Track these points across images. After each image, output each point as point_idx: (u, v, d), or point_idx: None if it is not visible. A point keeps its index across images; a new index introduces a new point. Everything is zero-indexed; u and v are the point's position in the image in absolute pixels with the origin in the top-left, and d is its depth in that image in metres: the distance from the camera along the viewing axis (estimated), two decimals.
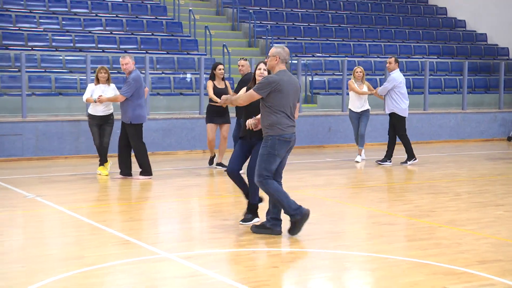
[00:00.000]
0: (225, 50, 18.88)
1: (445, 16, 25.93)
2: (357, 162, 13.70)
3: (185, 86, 17.61)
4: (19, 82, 14.58)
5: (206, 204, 9.73)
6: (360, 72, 13.68)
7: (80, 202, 9.54)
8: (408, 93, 13.85)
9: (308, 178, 11.88)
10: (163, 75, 17.33)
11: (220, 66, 12.36)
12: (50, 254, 6.79)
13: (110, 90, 11.45)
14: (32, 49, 16.60)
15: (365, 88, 13.63)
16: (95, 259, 6.43)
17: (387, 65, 13.42)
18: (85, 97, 11.58)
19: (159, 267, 6.27)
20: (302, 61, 18.25)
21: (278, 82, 7.13)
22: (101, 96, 11.19)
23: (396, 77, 13.18)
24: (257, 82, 7.50)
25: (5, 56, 16.17)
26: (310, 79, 19.02)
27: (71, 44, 17.46)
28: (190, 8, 20.80)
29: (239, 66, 12.02)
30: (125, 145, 11.25)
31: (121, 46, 18.15)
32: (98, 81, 11.52)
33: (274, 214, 7.45)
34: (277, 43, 20.81)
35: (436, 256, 6.61)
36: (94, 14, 19.25)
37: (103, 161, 11.66)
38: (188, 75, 17.68)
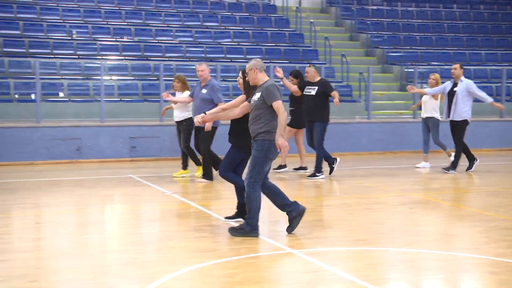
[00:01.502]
0: (344, 60, 18.77)
1: None
2: (418, 168, 13.20)
3: None
4: (157, 90, 15.10)
5: (323, 204, 9.68)
6: (432, 79, 12.98)
7: (212, 200, 9.74)
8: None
9: (422, 181, 11.61)
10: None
11: (291, 77, 12.21)
12: (185, 246, 6.96)
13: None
14: (169, 60, 17.15)
15: (429, 96, 12.90)
16: (226, 252, 6.55)
17: (453, 71, 12.38)
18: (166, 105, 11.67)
19: (284, 262, 6.30)
20: (418, 70, 17.84)
21: (277, 86, 7.16)
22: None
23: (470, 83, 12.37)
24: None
25: (145, 66, 16.80)
26: (426, 87, 18.52)
27: (203, 55, 17.90)
28: (311, 20, 20.85)
29: (306, 73, 11.87)
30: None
31: (247, 56, 18.43)
32: (174, 89, 11.58)
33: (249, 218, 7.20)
34: (393, 52, 20.51)
35: None
36: (224, 27, 19.66)
37: (187, 164, 11.57)
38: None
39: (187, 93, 11.38)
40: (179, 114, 11.45)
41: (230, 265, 6.14)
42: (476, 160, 12.68)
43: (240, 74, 7.85)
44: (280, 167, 12.46)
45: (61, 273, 5.89)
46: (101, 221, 8.66)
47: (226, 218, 7.96)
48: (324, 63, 18.77)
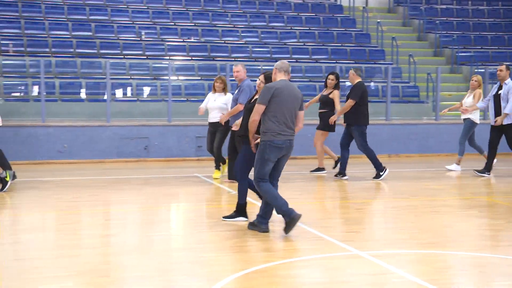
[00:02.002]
0: (411, 60, 18.48)
1: None
2: (449, 169, 12.80)
3: (371, 93, 17.44)
4: None
5: (390, 206, 9.54)
6: (475, 81, 12.43)
7: None
8: None
9: (491, 184, 11.31)
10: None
11: (331, 76, 11.89)
12: (250, 245, 6.97)
13: (222, 99, 11.13)
14: (235, 60, 17.25)
15: (470, 98, 12.42)
16: (291, 253, 6.53)
17: (498, 72, 11.77)
18: (202, 105, 11.45)
19: (350, 264, 6.23)
20: (489, 70, 17.39)
21: (275, 87, 7.07)
22: (222, 115, 10.90)
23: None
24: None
25: (212, 66, 16.95)
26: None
27: (269, 55, 17.93)
28: (378, 20, 20.61)
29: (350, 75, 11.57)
30: (235, 150, 11.04)
31: (313, 57, 18.37)
32: (215, 90, 11.32)
33: (262, 212, 7.41)
34: (463, 52, 20.07)
35: None
36: (289, 28, 19.64)
37: (218, 165, 11.41)
38: (373, 83, 17.50)
39: (229, 95, 11.19)
40: (216, 115, 11.14)
41: (295, 266, 6.12)
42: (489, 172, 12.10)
43: (261, 78, 7.82)
44: (318, 169, 12.32)
45: (129, 269, 5.99)
46: (167, 219, 8.77)
47: (224, 217, 8.03)
48: (391, 63, 18.52)
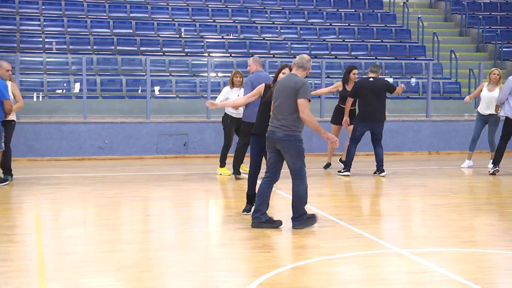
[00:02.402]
0: (453, 56, 18.23)
1: None
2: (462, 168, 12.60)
3: (411, 90, 17.27)
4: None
5: (431, 204, 9.42)
6: (497, 74, 12.13)
7: (314, 196, 9.70)
8: None
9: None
10: (391, 79, 17.10)
11: (355, 71, 11.72)
12: (289, 242, 6.97)
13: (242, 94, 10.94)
14: (274, 56, 17.24)
15: (495, 92, 12.00)
16: (331, 250, 6.50)
17: None
18: (218, 99, 11.30)
19: (390, 261, 6.18)
20: None
21: (275, 84, 7.51)
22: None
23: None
24: None
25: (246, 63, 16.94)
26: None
27: (308, 52, 17.86)
28: (419, 16, 20.36)
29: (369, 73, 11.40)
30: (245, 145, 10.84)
31: (352, 53, 18.24)
32: (233, 84, 11.27)
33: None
34: (507, 47, 19.71)
35: None
36: (329, 24, 19.54)
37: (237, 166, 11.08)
38: (413, 80, 17.31)
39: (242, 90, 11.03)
40: (241, 110, 10.85)
41: (335, 263, 6.10)
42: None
43: (285, 69, 7.93)
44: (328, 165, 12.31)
45: (170, 265, 6.03)
46: (206, 215, 8.82)
47: (243, 211, 8.25)
48: (432, 59, 18.30)
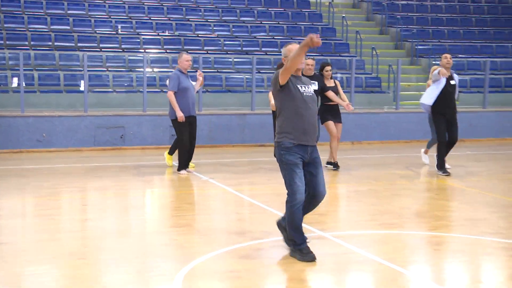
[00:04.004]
0: (374, 53, 18.62)
1: None
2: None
3: None
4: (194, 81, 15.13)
5: (354, 190, 9.63)
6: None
7: (246, 185, 9.78)
8: None
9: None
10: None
11: (327, 68, 11.14)
12: (220, 228, 7.00)
13: None
14: (207, 53, 17.21)
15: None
16: (261, 234, 6.57)
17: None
18: None
19: (315, 244, 6.27)
20: None
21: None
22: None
23: None
24: None
25: None
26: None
27: (239, 48, 17.91)
28: (343, 15, 20.70)
29: (308, 65, 10.72)
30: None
31: (281, 49, 18.36)
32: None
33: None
34: (422, 45, 20.25)
35: None
36: (259, 22, 19.62)
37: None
38: (339, 75, 17.55)
39: None
40: None
41: (264, 246, 6.17)
42: None
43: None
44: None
45: (106, 252, 5.99)
46: (143, 204, 8.77)
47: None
48: (355, 56, 18.63)
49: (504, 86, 18.86)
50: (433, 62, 19.07)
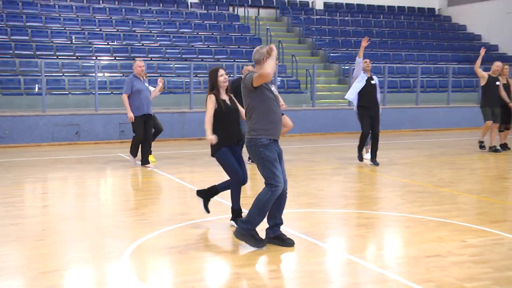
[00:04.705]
0: (293, 59, 18.79)
1: (465, 31, 25.07)
2: None
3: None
4: None
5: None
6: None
7: (186, 173, 9.70)
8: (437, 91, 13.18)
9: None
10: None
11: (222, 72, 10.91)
12: (163, 211, 6.93)
13: None
14: (151, 59, 16.92)
15: None
16: (196, 215, 6.53)
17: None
18: None
19: None
20: (353, 67, 17.93)
21: None
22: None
23: None
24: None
25: (131, 65, 16.52)
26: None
27: (179, 55, 17.70)
28: (268, 27, 20.77)
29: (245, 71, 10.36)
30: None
31: (216, 56, 18.28)
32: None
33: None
34: (333, 53, 20.57)
35: (457, 217, 6.43)
36: (196, 33, 19.45)
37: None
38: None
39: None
40: None
41: (201, 225, 6.14)
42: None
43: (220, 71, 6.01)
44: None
45: (63, 234, 5.82)
46: (97, 191, 8.57)
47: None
48: (278, 62, 18.73)
49: (399, 87, 19.41)
50: (343, 67, 19.43)
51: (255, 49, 5.20)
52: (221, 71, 5.96)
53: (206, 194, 6.26)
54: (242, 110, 5.96)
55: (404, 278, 4.50)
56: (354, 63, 10.76)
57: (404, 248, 5.41)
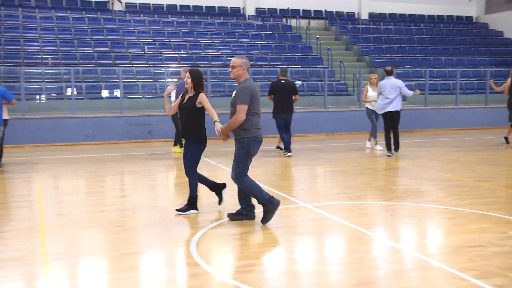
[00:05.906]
0: (341, 65, 18.54)
1: (502, 37, 24.03)
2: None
3: (314, 89, 17.43)
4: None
5: (329, 170, 9.58)
6: (374, 79, 11.67)
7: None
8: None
9: (401, 153, 11.44)
10: (300, 82, 17.25)
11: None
12: (226, 201, 6.94)
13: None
14: (214, 67, 17.06)
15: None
16: (257, 206, 6.48)
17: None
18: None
19: (298, 213, 6.26)
20: (396, 72, 17.49)
21: (251, 87, 5.48)
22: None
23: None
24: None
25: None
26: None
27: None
28: (317, 36, 20.59)
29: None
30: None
31: (271, 63, 18.24)
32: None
33: (247, 202, 5.82)
34: (378, 59, 20.16)
35: (498, 210, 6.16)
36: (253, 42, 19.46)
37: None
38: (299, 82, 17.18)
39: None
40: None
41: (261, 215, 6.11)
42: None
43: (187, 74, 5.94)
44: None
45: (138, 220, 5.94)
46: (166, 183, 8.66)
47: (177, 210, 6.16)
48: (327, 67, 18.54)
49: (440, 89, 18.82)
50: None
51: (246, 57, 5.58)
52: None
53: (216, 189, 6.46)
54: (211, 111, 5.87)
55: (448, 266, 4.34)
56: (395, 68, 10.57)
57: (447, 238, 5.23)
